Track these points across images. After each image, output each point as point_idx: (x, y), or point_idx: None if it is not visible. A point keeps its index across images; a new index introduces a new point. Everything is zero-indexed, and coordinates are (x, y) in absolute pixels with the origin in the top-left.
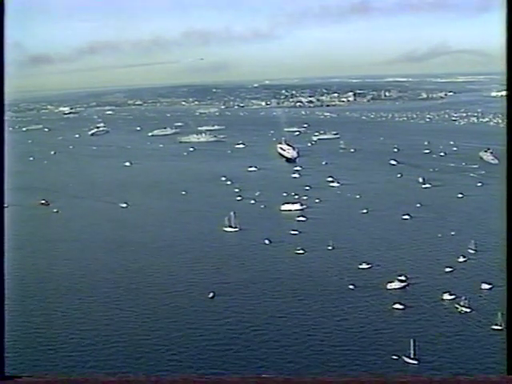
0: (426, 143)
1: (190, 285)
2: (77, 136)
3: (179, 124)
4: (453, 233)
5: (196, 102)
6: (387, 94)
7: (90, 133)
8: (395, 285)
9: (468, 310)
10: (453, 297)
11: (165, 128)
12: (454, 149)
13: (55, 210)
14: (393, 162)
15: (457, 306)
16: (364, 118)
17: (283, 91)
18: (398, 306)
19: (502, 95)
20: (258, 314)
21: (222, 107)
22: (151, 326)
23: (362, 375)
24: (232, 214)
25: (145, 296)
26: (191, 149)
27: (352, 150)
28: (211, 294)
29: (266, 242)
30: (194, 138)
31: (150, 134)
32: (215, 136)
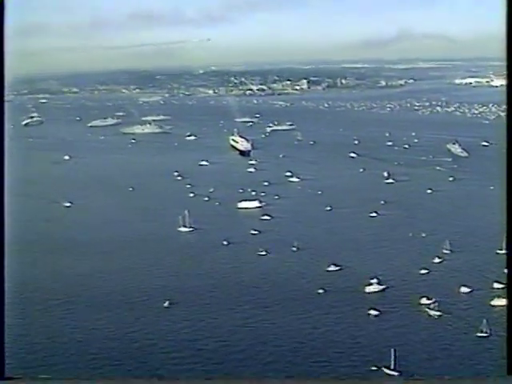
0: (387, 134)
1: (144, 292)
2: (11, 126)
3: (121, 114)
4: (425, 233)
5: (138, 90)
6: (343, 81)
7: (23, 123)
8: (372, 288)
9: (448, 316)
10: (431, 301)
11: (105, 118)
12: (418, 140)
13: None
14: (353, 155)
15: (435, 311)
16: (321, 107)
17: (232, 78)
18: (373, 311)
19: (466, 83)
20: (218, 324)
21: (167, 95)
22: (101, 338)
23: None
24: (186, 212)
25: (93, 304)
26: (133, 140)
27: (311, 143)
28: (167, 303)
29: (225, 242)
30: (138, 129)
31: (89, 124)
32: (161, 127)
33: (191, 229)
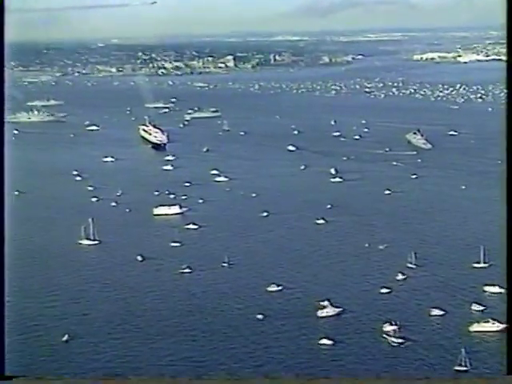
0: (333, 123)
1: (37, 324)
2: None
3: None
4: (384, 243)
5: (21, 68)
6: (278, 57)
7: None
8: (325, 312)
9: (418, 346)
10: (396, 327)
11: None
12: (371, 130)
13: None
14: (293, 148)
15: (401, 340)
16: (251, 89)
17: (140, 53)
18: (325, 341)
19: (427, 58)
20: (129, 363)
21: (58, 74)
22: None
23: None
24: (90, 221)
25: None
26: (17, 132)
27: (241, 133)
28: (65, 337)
29: (139, 258)
30: (23, 118)
31: None
32: (52, 114)
33: (96, 242)
